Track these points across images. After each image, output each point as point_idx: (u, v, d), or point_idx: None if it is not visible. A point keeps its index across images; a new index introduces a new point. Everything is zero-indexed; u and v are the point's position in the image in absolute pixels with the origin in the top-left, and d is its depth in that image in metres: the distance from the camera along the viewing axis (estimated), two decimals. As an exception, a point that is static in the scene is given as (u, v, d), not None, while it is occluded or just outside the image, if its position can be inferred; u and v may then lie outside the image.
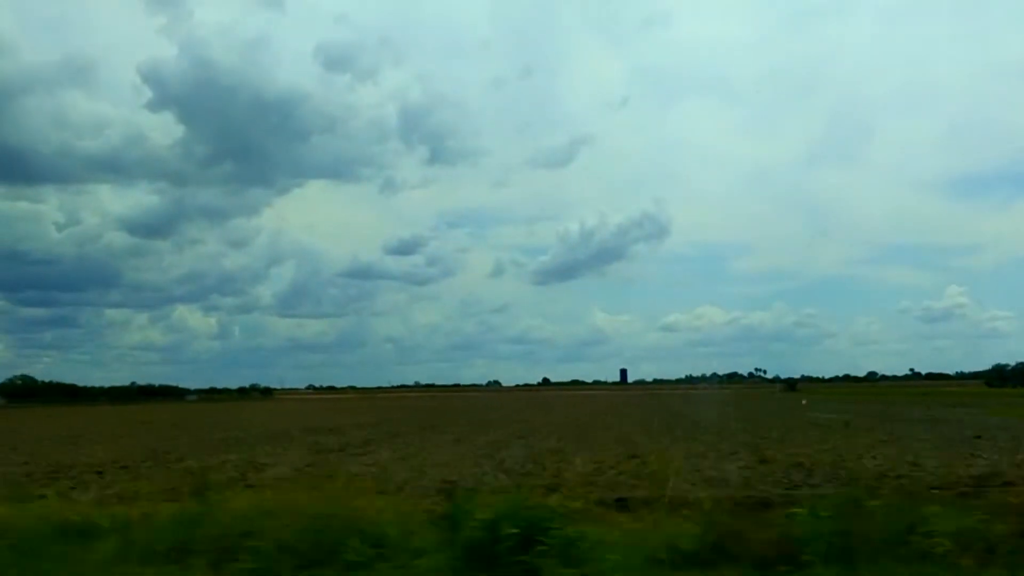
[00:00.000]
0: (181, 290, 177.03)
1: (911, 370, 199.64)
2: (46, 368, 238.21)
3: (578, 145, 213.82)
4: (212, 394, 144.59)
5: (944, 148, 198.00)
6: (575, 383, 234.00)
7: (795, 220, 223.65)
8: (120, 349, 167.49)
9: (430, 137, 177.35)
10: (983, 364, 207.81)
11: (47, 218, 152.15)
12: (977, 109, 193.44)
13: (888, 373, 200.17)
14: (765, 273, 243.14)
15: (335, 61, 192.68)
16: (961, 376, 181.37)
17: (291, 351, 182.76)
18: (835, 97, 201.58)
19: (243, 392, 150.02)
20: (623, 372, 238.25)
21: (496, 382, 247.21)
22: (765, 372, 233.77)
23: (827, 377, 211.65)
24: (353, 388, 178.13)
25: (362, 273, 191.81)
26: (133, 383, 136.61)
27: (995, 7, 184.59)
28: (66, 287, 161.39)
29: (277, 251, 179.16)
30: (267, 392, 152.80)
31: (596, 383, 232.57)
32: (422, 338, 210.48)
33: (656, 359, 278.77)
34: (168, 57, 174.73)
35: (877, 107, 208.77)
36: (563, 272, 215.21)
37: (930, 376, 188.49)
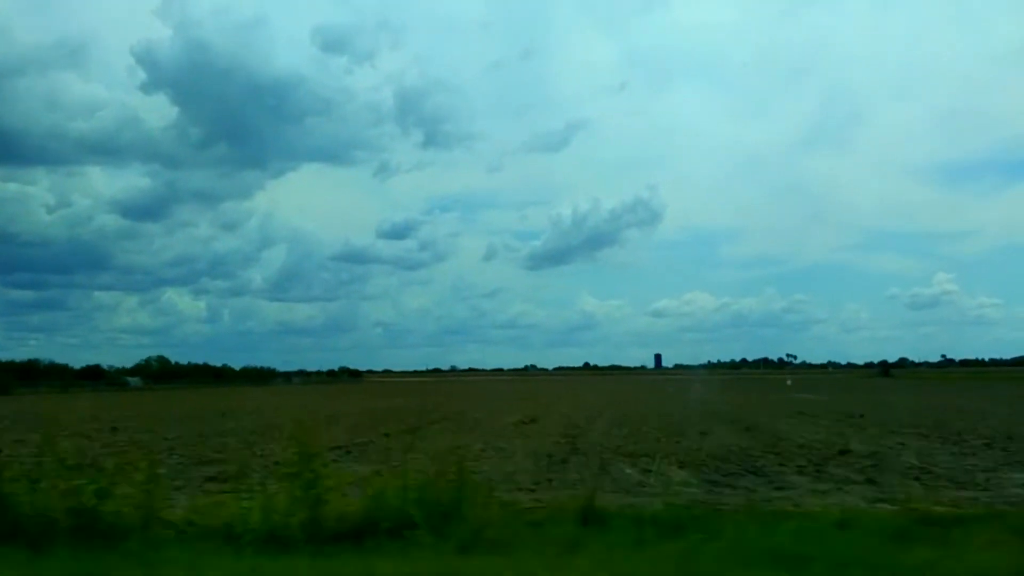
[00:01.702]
0: (171, 273, 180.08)
1: (943, 356, 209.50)
2: (31, 351, 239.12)
3: (574, 129, 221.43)
4: (301, 377, 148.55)
5: (935, 135, 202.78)
6: (614, 367, 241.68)
7: (785, 206, 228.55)
8: (109, 332, 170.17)
9: (426, 120, 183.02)
10: (973, 351, 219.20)
11: (37, 200, 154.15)
12: (968, 96, 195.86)
13: (916, 360, 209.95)
14: (755, 259, 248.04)
15: (332, 43, 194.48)
16: (994, 362, 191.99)
17: (280, 335, 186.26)
18: (827, 83, 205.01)
19: (332, 375, 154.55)
20: (657, 357, 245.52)
21: (533, 366, 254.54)
22: (796, 357, 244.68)
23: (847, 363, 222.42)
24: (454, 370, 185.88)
25: (354, 257, 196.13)
26: (225, 365, 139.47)
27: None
28: (56, 269, 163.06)
29: (269, 234, 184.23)
30: (355, 375, 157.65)
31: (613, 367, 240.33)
32: (413, 322, 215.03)
33: (648, 344, 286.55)
34: (162, 38, 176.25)
35: (868, 93, 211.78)
36: (555, 257, 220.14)
37: (964, 362, 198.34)
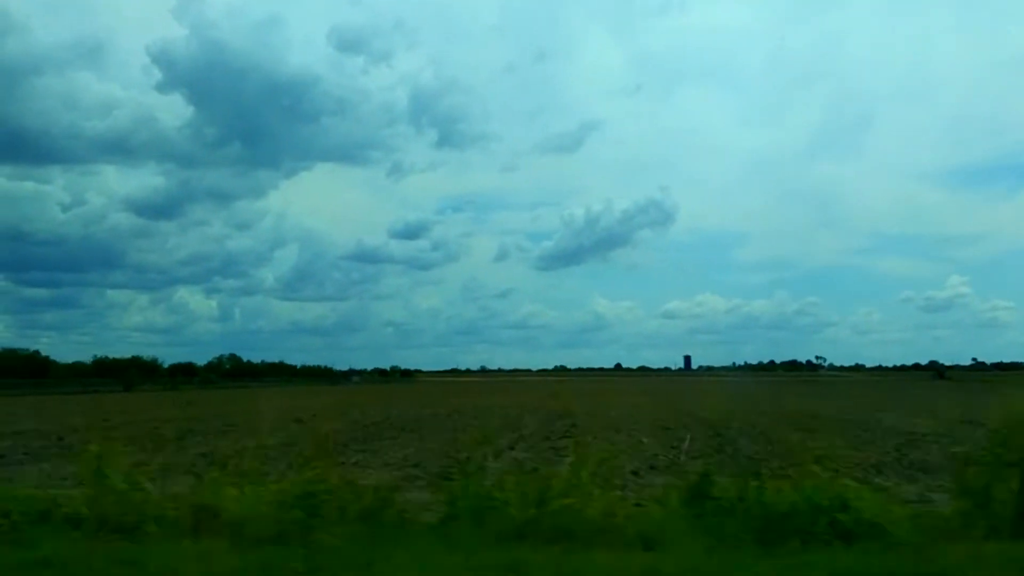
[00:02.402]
0: (184, 272, 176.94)
1: (973, 359, 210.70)
2: (43, 349, 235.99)
3: (587, 131, 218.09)
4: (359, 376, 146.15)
5: (946, 138, 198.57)
6: (643, 369, 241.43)
7: (797, 209, 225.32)
8: (121, 330, 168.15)
9: (440, 121, 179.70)
10: (987, 354, 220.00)
11: (53, 199, 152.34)
12: (979, 100, 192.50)
13: (949, 363, 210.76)
14: (766, 261, 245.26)
15: (348, 43, 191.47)
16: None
17: (291, 334, 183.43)
18: (838, 87, 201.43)
19: (384, 374, 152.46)
20: (687, 359, 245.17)
21: (563, 367, 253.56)
22: (825, 360, 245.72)
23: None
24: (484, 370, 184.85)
25: (366, 257, 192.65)
26: (281, 361, 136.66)
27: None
28: (69, 268, 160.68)
29: (282, 234, 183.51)
30: (407, 374, 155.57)
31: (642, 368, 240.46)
32: (423, 322, 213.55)
33: (655, 346, 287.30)
34: (178, 38, 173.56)
35: (880, 97, 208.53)
36: (567, 257, 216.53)
37: (997, 366, 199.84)
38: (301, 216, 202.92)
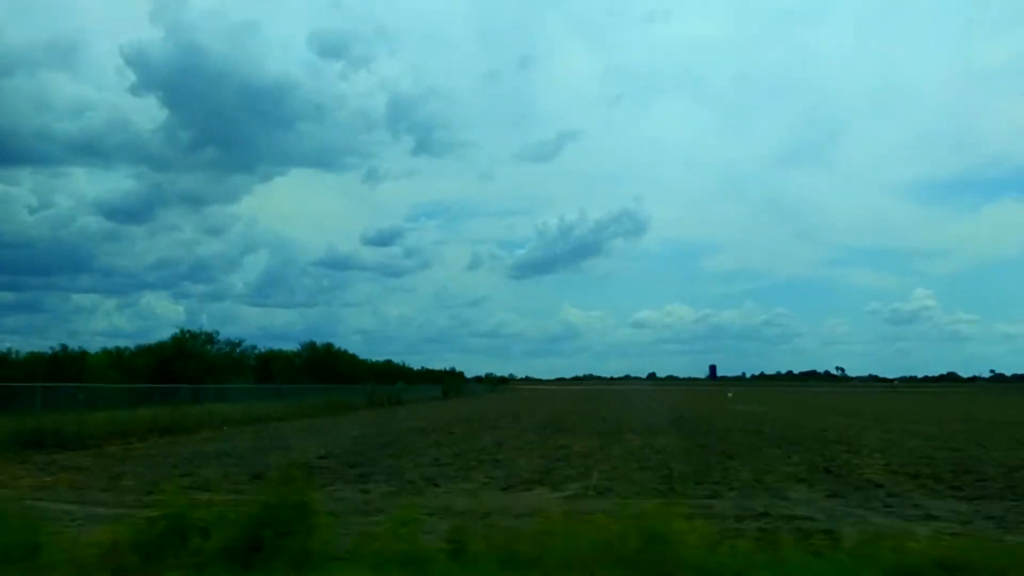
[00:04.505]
0: (152, 276, 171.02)
1: (991, 371, 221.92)
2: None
3: (564, 140, 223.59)
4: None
5: (914, 153, 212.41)
6: (670, 379, 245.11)
7: (768, 220, 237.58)
8: (86, 335, 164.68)
9: (417, 128, 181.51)
10: (951, 366, 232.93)
11: (20, 201, 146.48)
12: (946, 115, 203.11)
13: (967, 375, 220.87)
14: (736, 272, 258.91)
15: (328, 48, 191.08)
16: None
17: (259, 340, 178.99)
18: (809, 101, 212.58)
19: (479, 380, 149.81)
20: (712, 368, 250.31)
21: (591, 375, 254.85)
22: (844, 370, 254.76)
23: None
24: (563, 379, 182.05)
25: (338, 263, 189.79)
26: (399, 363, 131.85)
27: (965, 16, 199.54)
28: (35, 271, 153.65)
29: (253, 239, 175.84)
30: (503, 380, 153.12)
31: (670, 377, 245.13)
32: (393, 330, 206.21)
33: (628, 355, 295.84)
34: (154, 40, 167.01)
35: (849, 111, 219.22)
36: (540, 266, 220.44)
37: (1016, 377, 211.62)
38: (274, 221, 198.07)
